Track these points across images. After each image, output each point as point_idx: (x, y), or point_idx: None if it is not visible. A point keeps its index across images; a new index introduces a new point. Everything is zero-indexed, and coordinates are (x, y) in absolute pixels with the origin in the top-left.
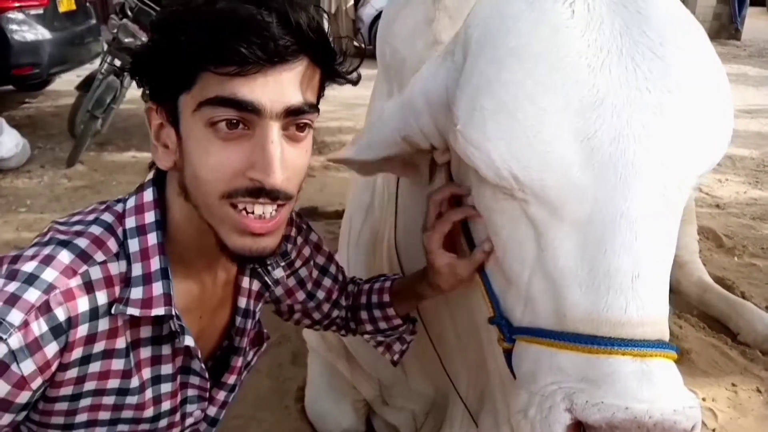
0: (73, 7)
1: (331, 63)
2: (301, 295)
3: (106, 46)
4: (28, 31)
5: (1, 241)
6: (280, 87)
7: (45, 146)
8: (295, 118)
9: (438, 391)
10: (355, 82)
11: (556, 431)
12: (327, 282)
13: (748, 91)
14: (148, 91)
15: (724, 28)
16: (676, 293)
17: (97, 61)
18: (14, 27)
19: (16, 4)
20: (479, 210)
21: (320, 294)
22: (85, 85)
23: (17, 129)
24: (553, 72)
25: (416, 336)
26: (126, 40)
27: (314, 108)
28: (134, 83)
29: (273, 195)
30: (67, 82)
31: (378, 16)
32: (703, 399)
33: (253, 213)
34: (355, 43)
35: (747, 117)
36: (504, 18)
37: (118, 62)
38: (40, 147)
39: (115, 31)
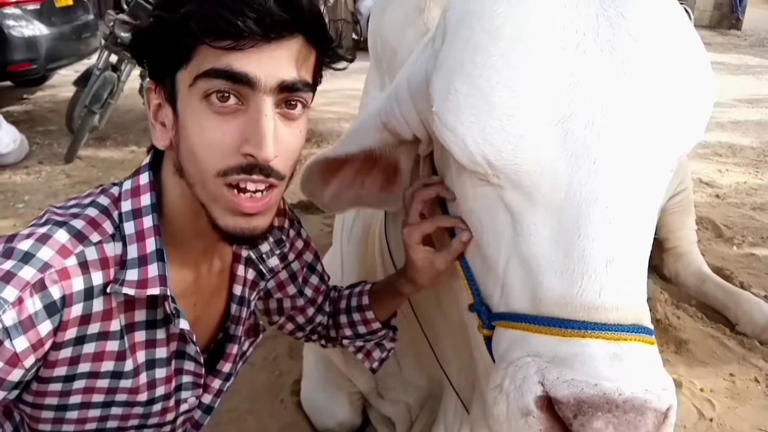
0: (70, 2)
1: (327, 44)
2: (291, 289)
3: (103, 41)
4: (26, 26)
5: None
6: (274, 62)
7: (43, 142)
8: (289, 94)
9: (432, 383)
10: (351, 60)
11: (528, 400)
12: (314, 280)
13: (749, 80)
14: (147, 70)
15: (725, 18)
16: (674, 283)
17: (95, 57)
18: (11, 23)
19: (14, 0)
20: (458, 197)
21: (308, 291)
22: (83, 80)
23: (15, 125)
24: (528, 55)
25: (399, 339)
26: (123, 34)
27: (309, 87)
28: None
29: (266, 171)
30: (64, 77)
31: None
32: (701, 389)
33: (245, 191)
34: (354, 36)
35: (747, 107)
36: (481, 0)
37: (114, 57)
38: (38, 143)
39: (111, 25)
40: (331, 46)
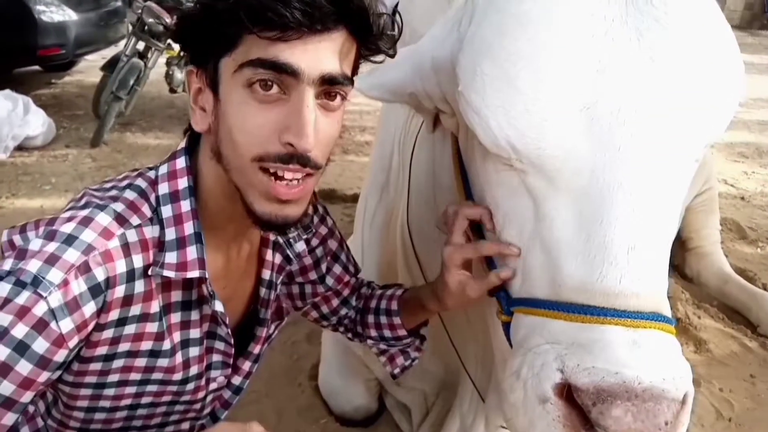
0: None
1: (369, 36)
2: (312, 275)
3: (130, 28)
4: (55, 12)
5: (26, 217)
6: (318, 54)
7: (70, 126)
8: (330, 86)
9: (449, 371)
10: (392, 56)
11: (546, 387)
12: (337, 269)
13: None
14: (189, 55)
15: (756, 18)
16: (696, 283)
17: (122, 43)
18: (42, 8)
19: None
20: (483, 184)
21: (329, 280)
22: (110, 66)
23: (43, 109)
24: (555, 40)
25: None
26: (150, 21)
27: (349, 80)
28: (157, 65)
29: (303, 161)
30: (92, 63)
31: None
32: (720, 389)
33: (282, 178)
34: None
35: None
36: None
37: (142, 44)
38: (65, 127)
39: (139, 12)
40: (373, 40)
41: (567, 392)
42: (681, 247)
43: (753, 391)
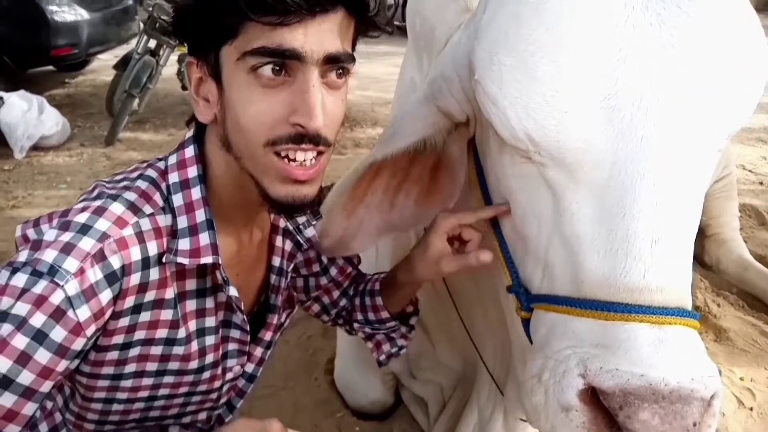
0: None
1: (365, 13)
2: (316, 267)
3: (142, 26)
4: (68, 12)
5: None
6: (320, 35)
7: (84, 125)
8: (333, 65)
9: (466, 364)
10: (390, 32)
11: (569, 396)
12: (340, 260)
13: None
14: (188, 46)
15: None
16: (715, 271)
17: (134, 41)
18: (54, 8)
19: None
20: (499, 177)
21: (333, 270)
22: (123, 64)
23: (57, 108)
24: (574, 29)
25: (412, 337)
26: (161, 18)
27: (351, 57)
28: (169, 62)
29: (315, 140)
30: (105, 62)
31: None
32: (741, 378)
33: (295, 160)
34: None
35: None
36: None
37: (153, 42)
38: (79, 126)
39: (150, 9)
40: (370, 16)
41: (592, 395)
42: (699, 234)
43: None
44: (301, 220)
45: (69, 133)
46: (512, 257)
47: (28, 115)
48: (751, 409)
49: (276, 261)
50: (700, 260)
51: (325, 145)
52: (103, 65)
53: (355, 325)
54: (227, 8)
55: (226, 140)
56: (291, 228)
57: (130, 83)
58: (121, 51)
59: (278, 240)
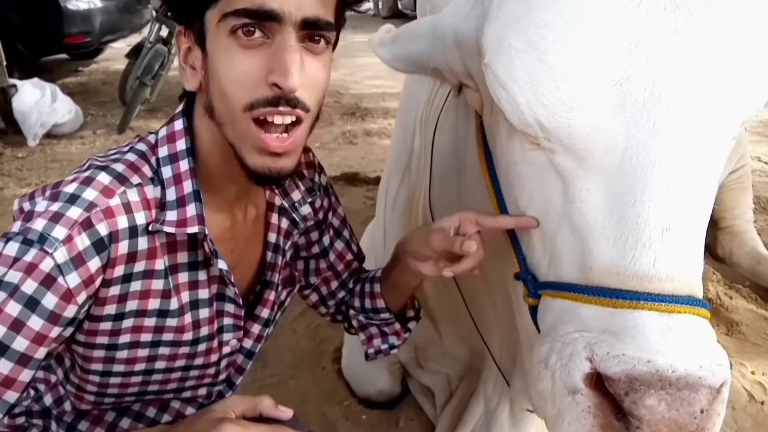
0: None
1: None
2: (315, 249)
3: (154, 14)
4: (81, 0)
5: None
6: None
7: (97, 113)
8: (312, 31)
9: (473, 355)
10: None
11: (576, 378)
12: (339, 245)
13: None
14: (177, 15)
15: None
16: (728, 263)
17: (146, 30)
18: None
19: None
20: (508, 164)
21: (332, 255)
22: (135, 52)
23: (70, 96)
24: (586, 12)
25: (406, 338)
26: None
27: (331, 26)
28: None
29: (292, 102)
30: (117, 50)
31: None
32: (753, 372)
33: (272, 125)
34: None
35: None
36: None
37: (165, 30)
38: (92, 114)
39: None
40: None
41: (598, 380)
42: (713, 226)
43: None
44: (297, 197)
45: (82, 121)
46: (520, 244)
47: (42, 102)
48: (762, 403)
49: (272, 237)
50: (712, 252)
51: (303, 110)
52: (115, 53)
53: (351, 312)
54: None
55: (209, 107)
56: (287, 206)
57: (143, 71)
58: (133, 39)
59: (274, 217)
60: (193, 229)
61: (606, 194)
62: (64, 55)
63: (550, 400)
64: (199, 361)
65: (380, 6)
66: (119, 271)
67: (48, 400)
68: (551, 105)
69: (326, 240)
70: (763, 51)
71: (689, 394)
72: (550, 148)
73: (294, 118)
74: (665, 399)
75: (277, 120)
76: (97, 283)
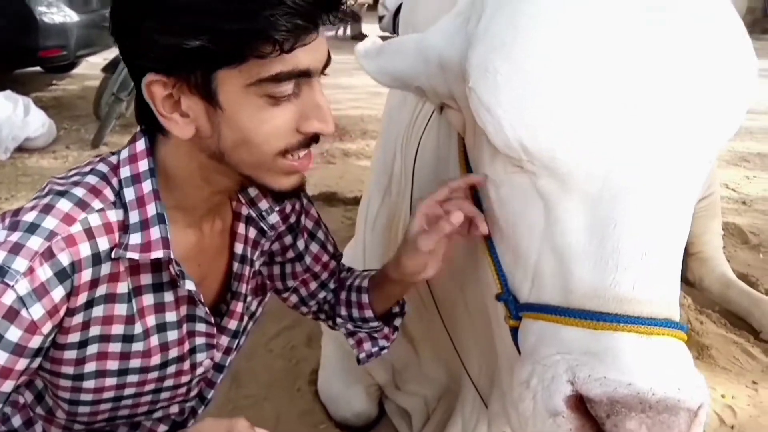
0: None
1: (337, 8)
2: (290, 254)
3: None
4: (56, 13)
5: None
6: (320, 47)
7: (70, 127)
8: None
9: (451, 376)
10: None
11: (557, 401)
12: (314, 248)
13: None
14: (154, 62)
15: (758, 23)
16: (698, 288)
17: None
18: (43, 9)
19: None
20: (491, 185)
21: (308, 258)
22: (111, 67)
23: (44, 110)
24: (570, 38)
25: (400, 337)
26: None
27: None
28: None
29: (317, 139)
30: (93, 64)
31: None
32: (723, 396)
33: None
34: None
35: None
36: None
37: None
38: (65, 128)
39: None
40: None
41: (579, 402)
42: (684, 251)
43: (756, 398)
44: (264, 206)
45: (55, 135)
46: (502, 265)
47: (14, 116)
48: (732, 427)
49: (239, 248)
50: (683, 277)
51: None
52: (91, 68)
53: (338, 320)
54: (239, 42)
55: (219, 153)
56: (254, 215)
57: (119, 87)
58: (110, 54)
59: (241, 227)
60: (158, 254)
61: (587, 218)
62: (38, 68)
63: (531, 422)
64: (169, 383)
65: (347, 30)
66: (83, 298)
67: (17, 421)
68: (535, 129)
69: (301, 244)
70: (735, 77)
71: (669, 417)
72: (533, 171)
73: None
74: (645, 422)
75: (303, 153)
76: (62, 312)
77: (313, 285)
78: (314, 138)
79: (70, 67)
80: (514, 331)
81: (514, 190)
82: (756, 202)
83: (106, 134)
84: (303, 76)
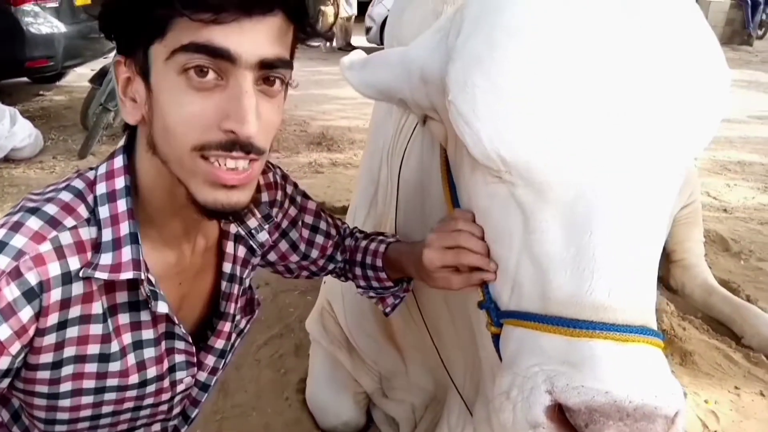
0: (88, 1)
1: (305, 19)
2: (294, 258)
3: None
4: (44, 23)
5: None
6: (255, 37)
7: (58, 138)
8: (269, 71)
9: (438, 385)
10: (329, 38)
11: (536, 412)
12: (320, 239)
13: (760, 96)
14: (116, 43)
15: (737, 34)
16: (680, 295)
17: (111, 55)
18: (29, 20)
19: None
20: (471, 195)
21: (314, 253)
22: (99, 78)
23: (31, 120)
24: (546, 53)
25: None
26: None
27: (287, 65)
28: None
29: (246, 148)
30: (80, 75)
31: None
32: (706, 401)
33: (225, 166)
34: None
35: (758, 123)
36: None
37: None
38: (52, 138)
39: None
40: (309, 22)
41: (559, 412)
42: (665, 259)
43: (738, 403)
44: (253, 224)
45: (42, 145)
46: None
47: (0, 126)
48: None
49: (227, 267)
50: (666, 284)
51: (257, 154)
52: (78, 78)
53: (359, 290)
54: (158, 3)
55: (152, 142)
56: (243, 233)
57: (106, 97)
58: (97, 64)
59: (229, 246)
60: (128, 274)
61: (563, 226)
62: (25, 79)
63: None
64: (149, 401)
65: (334, 41)
66: (53, 319)
67: None
68: (511, 140)
69: (303, 247)
70: (709, 87)
71: (646, 425)
72: (511, 181)
73: (247, 162)
74: (623, 430)
75: (230, 164)
76: (31, 332)
77: (321, 262)
78: (241, 144)
79: (57, 77)
80: (496, 338)
81: (494, 200)
82: (737, 210)
83: (93, 144)
84: (222, 58)
